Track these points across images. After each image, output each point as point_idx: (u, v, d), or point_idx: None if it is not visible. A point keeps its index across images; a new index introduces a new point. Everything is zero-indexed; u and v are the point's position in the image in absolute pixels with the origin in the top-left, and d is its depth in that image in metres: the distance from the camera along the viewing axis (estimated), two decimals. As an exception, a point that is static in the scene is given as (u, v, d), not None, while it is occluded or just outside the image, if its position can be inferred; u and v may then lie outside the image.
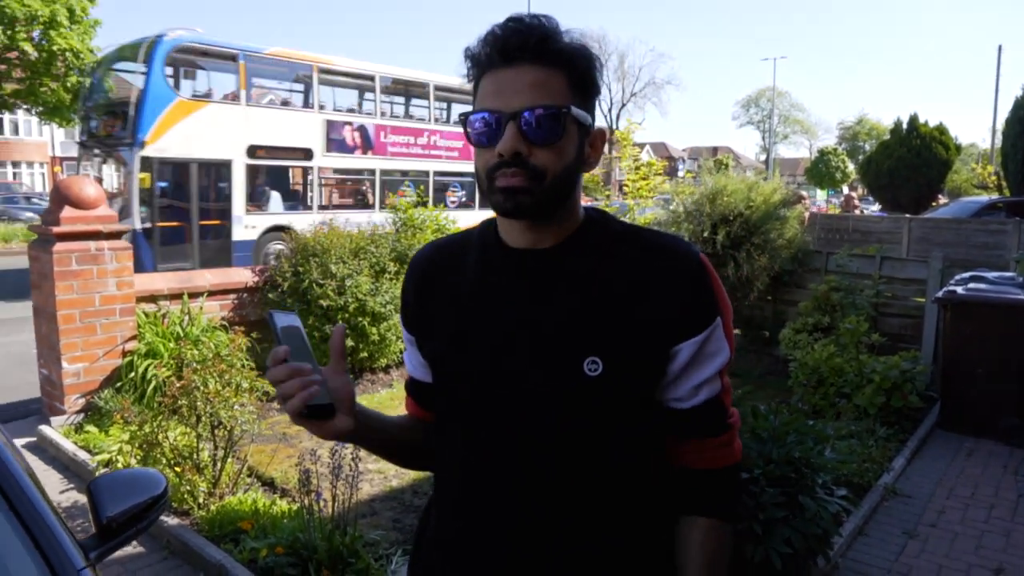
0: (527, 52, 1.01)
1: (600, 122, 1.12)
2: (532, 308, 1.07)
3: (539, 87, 1.01)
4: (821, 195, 44.49)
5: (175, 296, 5.57)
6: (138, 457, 4.06)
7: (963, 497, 4.26)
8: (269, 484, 4.22)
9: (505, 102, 1.01)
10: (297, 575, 3.06)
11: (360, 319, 5.93)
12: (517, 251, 1.10)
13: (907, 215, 15.89)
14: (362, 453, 3.44)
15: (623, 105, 54.72)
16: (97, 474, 3.91)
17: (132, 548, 3.55)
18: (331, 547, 3.11)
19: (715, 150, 65.53)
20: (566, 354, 1.04)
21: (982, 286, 5.55)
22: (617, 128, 12.21)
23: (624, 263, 1.07)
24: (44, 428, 4.93)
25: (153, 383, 4.85)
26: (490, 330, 1.09)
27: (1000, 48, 37.20)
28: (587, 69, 1.05)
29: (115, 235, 5.07)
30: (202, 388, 3.61)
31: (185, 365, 4.26)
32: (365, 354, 6.15)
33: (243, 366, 3.88)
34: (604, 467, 1.07)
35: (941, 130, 22.22)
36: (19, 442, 4.78)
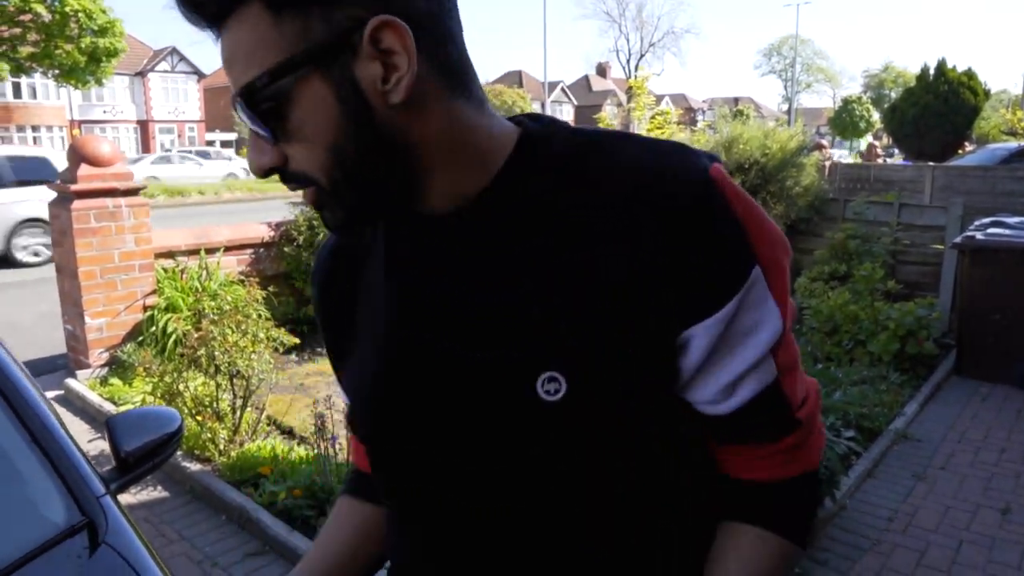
0: (202, 9, 0.65)
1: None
2: (450, 306, 0.71)
3: (233, 58, 0.65)
4: (844, 150, 43.64)
5: (192, 251, 5.65)
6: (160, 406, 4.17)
7: (975, 441, 4.28)
8: (287, 432, 4.33)
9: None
10: (314, 516, 3.17)
11: (375, 272, 5.99)
12: (420, 219, 0.72)
13: (930, 163, 15.58)
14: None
15: (642, 55, 53.81)
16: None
17: (157, 493, 3.69)
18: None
19: (736, 100, 64.34)
20: (506, 373, 0.67)
21: (1002, 231, 5.47)
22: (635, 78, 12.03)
23: (580, 212, 0.68)
24: (70, 381, 5.07)
25: (173, 336, 4.96)
26: (396, 346, 0.74)
27: (1033, -11, 35.78)
28: None
29: (132, 192, 5.13)
30: (220, 339, 3.69)
31: (203, 317, 4.35)
32: (381, 307, 6.23)
33: (259, 317, 3.95)
34: (596, 513, 0.72)
35: (970, 75, 21.61)
36: (48, 395, 4.93)
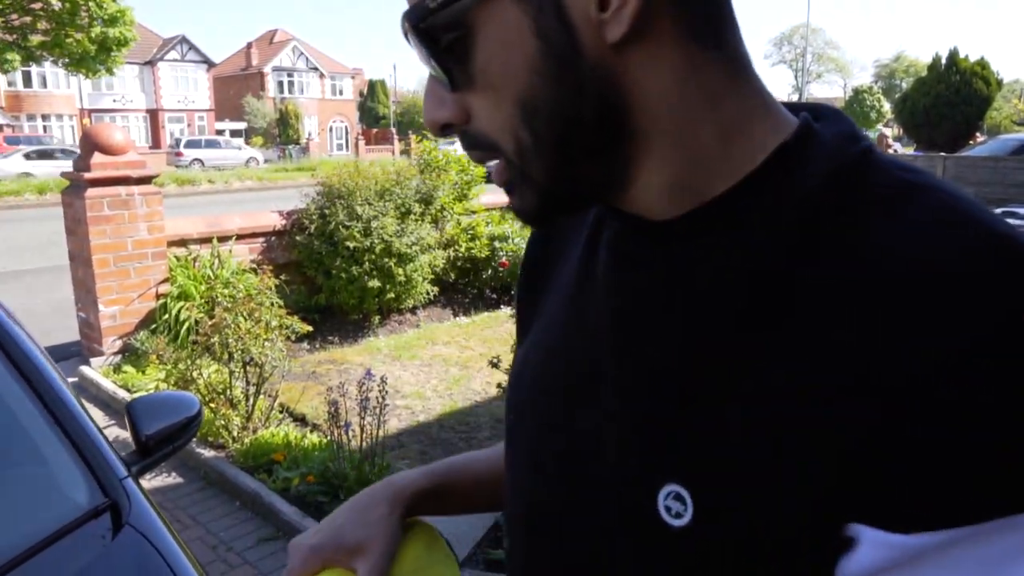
0: None
1: None
2: (616, 359, 0.53)
3: None
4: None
5: (205, 240, 5.68)
6: (175, 394, 4.22)
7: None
8: (300, 419, 4.36)
9: None
10: (327, 502, 3.20)
11: (386, 260, 6.00)
12: (629, 224, 0.53)
13: (941, 154, 15.49)
14: (389, 388, 3.55)
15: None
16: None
17: (172, 479, 3.73)
18: (360, 476, 3.23)
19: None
20: (634, 474, 0.51)
21: (1014, 222, 5.45)
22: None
23: (832, 292, 0.44)
24: (84, 368, 5.12)
25: (186, 324, 5.00)
26: (561, 389, 0.58)
27: (1048, -23, 35.44)
28: None
29: (145, 180, 5.16)
30: (233, 326, 3.72)
31: (216, 304, 4.38)
32: (392, 295, 6.24)
33: (272, 304, 3.98)
34: None
35: (983, 64, 21.42)
36: (62, 381, 4.99)
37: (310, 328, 4.35)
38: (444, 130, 0.52)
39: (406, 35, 0.50)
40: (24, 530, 1.33)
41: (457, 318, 6.91)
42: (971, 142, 20.64)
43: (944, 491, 0.37)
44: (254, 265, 5.71)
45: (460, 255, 7.01)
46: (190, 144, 31.26)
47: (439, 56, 0.49)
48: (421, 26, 0.48)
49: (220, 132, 43.08)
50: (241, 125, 45.55)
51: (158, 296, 5.27)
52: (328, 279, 6.09)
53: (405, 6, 0.50)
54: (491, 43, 0.47)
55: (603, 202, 0.54)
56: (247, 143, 38.31)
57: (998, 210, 5.97)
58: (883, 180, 0.46)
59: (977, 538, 0.37)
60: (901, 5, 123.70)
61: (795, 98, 59.40)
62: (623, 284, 0.53)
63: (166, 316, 5.13)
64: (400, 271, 6.16)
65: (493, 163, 0.52)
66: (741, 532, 0.45)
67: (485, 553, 2.90)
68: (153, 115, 43.34)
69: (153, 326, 5.18)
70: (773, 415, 0.44)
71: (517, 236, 7.15)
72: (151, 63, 42.64)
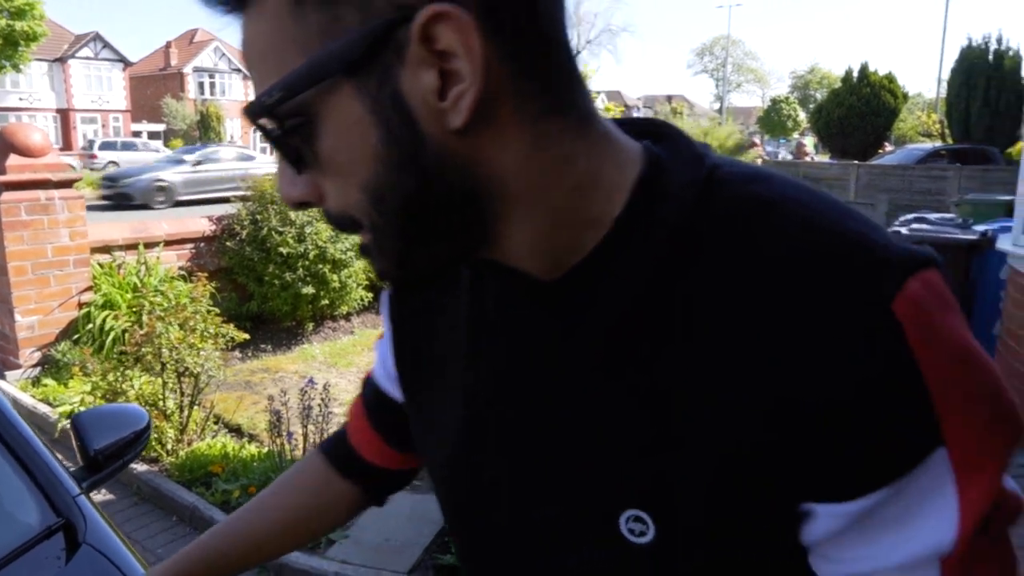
0: None
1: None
2: (538, 405, 0.56)
3: (251, 55, 0.50)
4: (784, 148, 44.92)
5: (130, 246, 5.47)
6: (102, 407, 4.05)
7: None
8: (236, 430, 4.25)
9: None
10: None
11: (321, 266, 5.92)
12: (510, 283, 0.56)
13: (855, 162, 16.26)
14: (334, 393, 3.51)
15: (578, 52, 54.08)
16: (61, 424, 3.90)
17: (102, 495, 3.58)
18: (304, 486, 3.18)
19: (669, 98, 65.65)
20: (588, 500, 0.55)
21: (924, 227, 5.78)
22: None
23: (705, 319, 0.49)
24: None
25: (112, 334, 4.80)
26: (474, 423, 0.61)
27: (947, -3, 37.72)
28: None
29: (66, 184, 4.94)
30: (167, 335, 3.61)
31: (147, 313, 4.24)
32: (326, 301, 6.16)
33: (208, 312, 3.87)
34: None
35: (890, 79, 22.59)
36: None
37: (247, 336, 4.26)
38: (301, 206, 0.52)
39: (264, 128, 0.49)
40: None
41: (393, 324, 6.86)
42: (880, 151, 21.75)
43: (862, 472, 0.46)
44: (183, 272, 5.55)
45: (396, 261, 6.97)
46: (105, 146, 29.88)
47: (283, 143, 0.48)
48: (261, 120, 0.48)
49: (137, 134, 41.47)
50: (160, 127, 43.92)
51: (80, 305, 5.05)
52: (260, 286, 5.96)
53: None
54: (334, 132, 0.47)
55: (471, 262, 0.55)
56: (166, 145, 36.96)
57: (909, 216, 6.32)
58: (734, 197, 0.50)
59: (888, 499, 0.47)
60: (815, 21, 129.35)
61: (717, 107, 61.22)
62: (526, 348, 0.55)
63: (90, 326, 4.92)
64: (335, 277, 6.08)
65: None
66: (703, 539, 0.50)
67: (434, 559, 2.90)
68: (64, 115, 41.35)
69: (75, 336, 4.96)
70: (706, 436, 0.48)
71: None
72: (62, 60, 40.68)
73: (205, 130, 39.86)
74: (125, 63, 44.06)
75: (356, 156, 0.47)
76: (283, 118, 0.47)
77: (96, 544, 1.32)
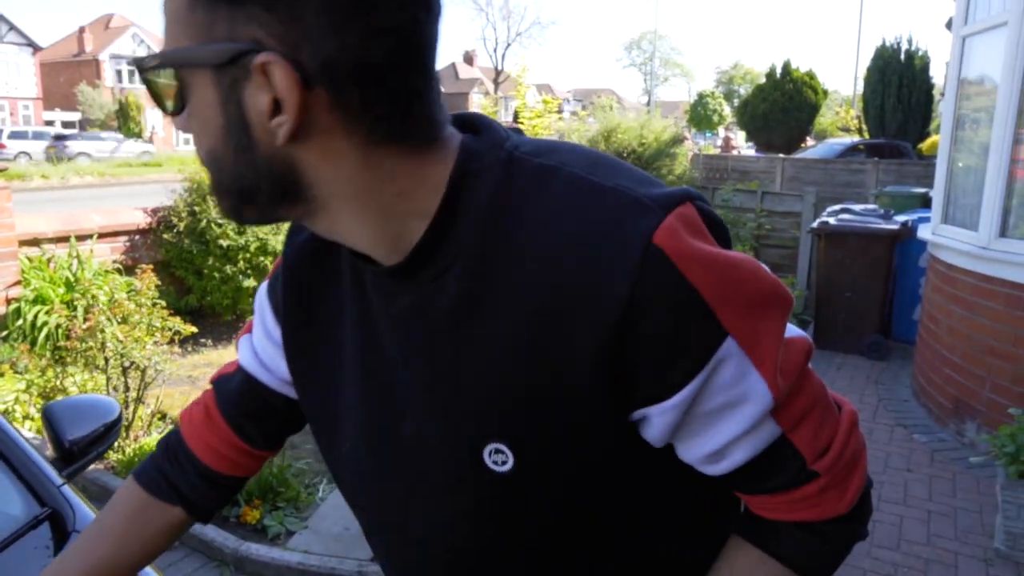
0: None
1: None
2: (405, 358, 0.67)
3: (167, 17, 0.60)
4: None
5: (61, 239, 5.27)
6: (37, 405, 3.91)
7: (835, 405, 4.76)
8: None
9: None
10: (227, 506, 3.10)
11: (262, 258, 5.82)
12: (373, 266, 0.67)
13: (780, 155, 16.86)
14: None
15: (508, 45, 54.32)
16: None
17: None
18: (260, 477, 3.16)
19: (599, 92, 66.40)
20: (452, 436, 0.66)
21: (850, 217, 6.07)
22: (502, 69, 12.21)
23: (513, 276, 0.60)
24: (-78, 382, 4.61)
25: (45, 330, 4.62)
26: (372, 385, 0.71)
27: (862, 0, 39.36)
28: None
29: (-10, 174, 4.72)
30: (111, 329, 3.51)
31: (86, 307, 4.10)
32: (268, 295, 6.06)
33: (154, 305, 3.78)
34: (569, 564, 0.71)
35: (811, 75, 23.49)
36: None
37: (195, 330, 4.16)
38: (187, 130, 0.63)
39: (145, 79, 0.61)
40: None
41: (336, 317, 6.80)
42: (802, 145, 22.57)
43: (670, 370, 0.58)
44: (118, 266, 5.37)
45: (337, 253, 6.91)
46: (15, 135, 28.44)
47: (153, 91, 0.61)
48: (144, 74, 0.60)
49: (49, 123, 39.48)
50: (74, 116, 41.93)
51: (8, 301, 4.83)
52: (200, 279, 5.82)
53: None
54: (194, 101, 0.59)
55: (320, 235, 0.66)
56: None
57: (837, 207, 6.63)
58: (526, 171, 0.61)
59: (703, 388, 0.59)
60: (737, 18, 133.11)
61: (644, 100, 62.26)
62: (398, 317, 0.66)
63: (20, 322, 4.72)
64: (277, 270, 5.98)
65: None
66: (554, 464, 0.63)
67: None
68: (-33, 102, 39.07)
69: (4, 333, 4.75)
70: (534, 373, 0.60)
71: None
72: (-37, 44, 38.43)
73: (124, 120, 38.29)
74: (35, 47, 41.88)
75: (205, 127, 0.59)
76: (160, 77, 0.59)
77: (87, 532, 1.31)
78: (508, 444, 0.62)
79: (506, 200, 0.60)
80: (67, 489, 1.39)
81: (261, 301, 0.82)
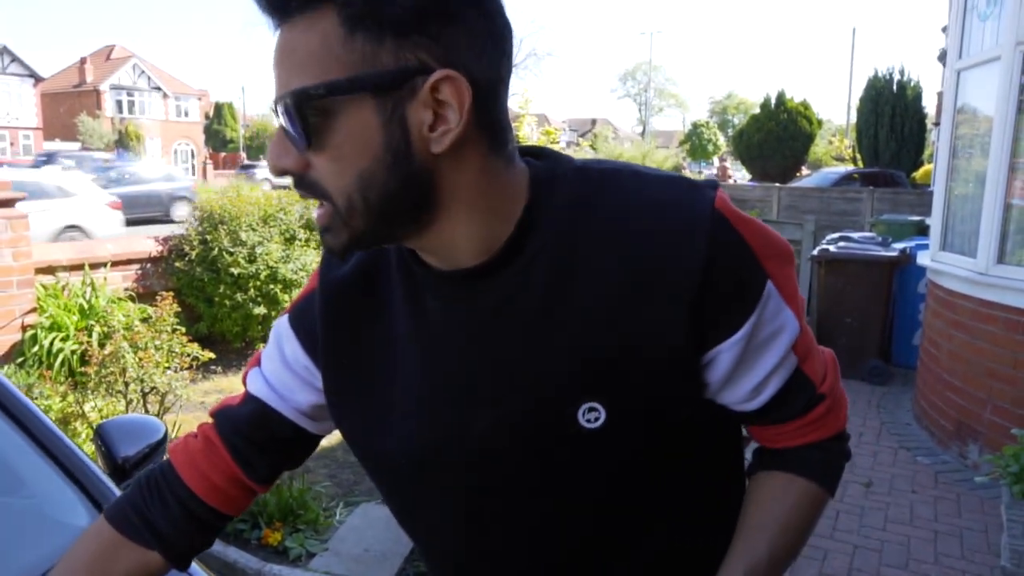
0: (276, 2, 0.65)
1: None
2: (487, 351, 0.75)
3: (292, 56, 0.65)
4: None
5: (75, 267, 5.34)
6: (55, 430, 3.97)
7: (839, 429, 4.83)
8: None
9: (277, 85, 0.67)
10: (248, 528, 3.15)
11: (272, 286, 5.90)
12: (444, 274, 0.74)
13: (776, 184, 17.06)
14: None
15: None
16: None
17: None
18: (280, 501, 3.21)
19: (594, 122, 67.02)
20: (548, 409, 0.73)
21: (850, 244, 6.19)
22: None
23: (599, 252, 0.71)
24: (-63, 408, 4.67)
25: (61, 356, 4.68)
26: (441, 388, 0.77)
27: (854, 31, 40.11)
28: None
29: (8, 203, 4.81)
30: (131, 355, 3.58)
31: (102, 334, 4.17)
32: (277, 322, 6.13)
33: (174, 331, 3.85)
34: (638, 515, 0.81)
35: (805, 105, 23.87)
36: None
37: (213, 355, 4.23)
38: (283, 174, 0.68)
39: (277, 104, 0.65)
40: (27, 559, 1.31)
41: (342, 344, 6.86)
42: (798, 174, 22.84)
43: (737, 308, 0.72)
44: (132, 294, 5.45)
45: (344, 280, 6.97)
46: (16, 166, 28.59)
47: (304, 125, 0.64)
48: (302, 103, 0.63)
49: (50, 153, 39.70)
50: (75, 146, 42.16)
51: (24, 327, 4.90)
52: (210, 307, 5.89)
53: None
54: (348, 127, 0.64)
55: (407, 246, 0.75)
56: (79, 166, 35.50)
57: (835, 235, 6.75)
58: (594, 174, 0.74)
59: (757, 322, 0.73)
60: (730, 49, 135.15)
61: (640, 130, 62.82)
62: (483, 309, 0.74)
63: (36, 348, 4.78)
64: (286, 297, 6.06)
65: (311, 200, 0.70)
66: (641, 416, 0.73)
67: (415, 567, 2.98)
68: (-32, 132, 39.32)
69: (20, 359, 4.81)
70: (630, 334, 0.70)
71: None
72: (-34, 75, 38.79)
73: (124, 150, 38.55)
74: (36, 78, 42.29)
75: (360, 150, 0.64)
76: (314, 108, 0.63)
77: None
78: (602, 402, 0.72)
79: (583, 196, 0.72)
80: (128, 502, 1.45)
81: (283, 332, 0.85)
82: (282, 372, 0.85)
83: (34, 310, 4.95)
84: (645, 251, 0.70)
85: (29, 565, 1.28)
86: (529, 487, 0.78)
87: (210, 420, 0.89)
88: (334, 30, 0.62)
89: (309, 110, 0.64)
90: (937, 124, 16.55)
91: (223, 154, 47.43)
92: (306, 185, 0.68)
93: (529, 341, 0.73)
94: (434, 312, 0.76)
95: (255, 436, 0.86)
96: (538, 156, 0.77)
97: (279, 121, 0.67)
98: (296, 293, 6.14)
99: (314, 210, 0.71)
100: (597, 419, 0.72)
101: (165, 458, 0.88)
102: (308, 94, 0.63)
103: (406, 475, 0.81)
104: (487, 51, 0.66)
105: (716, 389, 0.76)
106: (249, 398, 0.87)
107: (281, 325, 0.86)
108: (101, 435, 1.66)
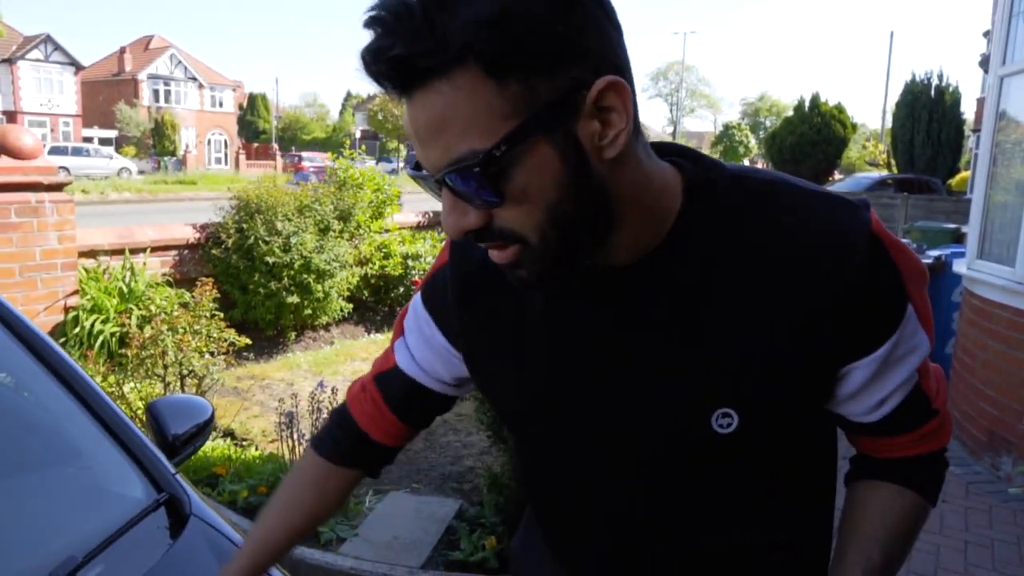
0: (404, 72, 0.62)
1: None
2: (629, 347, 0.76)
3: (439, 127, 0.62)
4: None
5: (116, 251, 5.47)
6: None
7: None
8: (228, 435, 4.30)
9: (423, 156, 0.66)
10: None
11: (305, 276, 5.99)
12: (595, 270, 0.74)
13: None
14: (340, 397, 3.61)
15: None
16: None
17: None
18: (312, 486, 3.28)
19: (625, 121, 66.40)
20: (684, 411, 0.75)
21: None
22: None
23: (751, 264, 0.72)
24: (-18, 385, 4.81)
25: (100, 338, 4.81)
26: (574, 380, 0.80)
27: (892, 34, 39.48)
28: (508, 34, 0.60)
29: (56, 187, 4.94)
30: (172, 337, 3.67)
31: (143, 317, 4.27)
32: (309, 311, 6.23)
33: (212, 316, 3.94)
34: (755, 511, 0.85)
35: (840, 109, 23.54)
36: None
37: (249, 341, 4.32)
38: (466, 234, 0.68)
39: (444, 179, 0.64)
40: (84, 529, 1.36)
41: (371, 335, 6.95)
42: (830, 179, 22.57)
43: (882, 327, 0.74)
44: (169, 279, 5.57)
45: (374, 273, 7.07)
46: (55, 151, 29.26)
47: (492, 186, 0.63)
48: (481, 167, 0.62)
49: (88, 139, 40.48)
50: (111, 133, 42.96)
51: (67, 309, 5.03)
52: (244, 294, 6.00)
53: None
54: (528, 169, 0.63)
55: (590, 263, 0.73)
56: (118, 152, 36.18)
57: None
58: (751, 183, 0.75)
59: (896, 341, 0.75)
60: (765, 49, 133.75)
61: (670, 131, 62.44)
62: (632, 308, 0.75)
63: (77, 330, 4.91)
64: (319, 287, 6.15)
65: (485, 245, 0.69)
66: (772, 421, 0.75)
67: (443, 555, 3.02)
68: (10, 117, 40.11)
69: (62, 340, 4.94)
70: (771, 346, 0.72)
71: (430, 255, 7.29)
72: (10, 61, 39.61)
73: (159, 138, 39.18)
74: (77, 67, 43.09)
75: (546, 185, 0.64)
76: (493, 166, 0.62)
77: (202, 516, 1.43)
78: (737, 409, 0.73)
79: (739, 204, 0.73)
80: (180, 477, 1.51)
81: (419, 312, 0.94)
82: (423, 350, 0.95)
83: (76, 292, 5.08)
84: (797, 267, 0.71)
85: (86, 535, 1.33)
86: (653, 478, 0.82)
87: (372, 382, 1.02)
88: (483, 84, 0.60)
89: (492, 169, 0.62)
90: (976, 130, 16.27)
91: (256, 145, 47.99)
92: (493, 235, 0.67)
93: (671, 343, 0.75)
94: (580, 304, 0.78)
95: (413, 402, 1.00)
96: (680, 155, 0.77)
97: (450, 188, 0.65)
98: (328, 284, 6.23)
99: (490, 249, 0.70)
100: (730, 425, 0.74)
101: (347, 410, 1.04)
102: (492, 156, 0.61)
103: (540, 444, 0.90)
104: (614, 39, 0.65)
105: (841, 400, 0.80)
106: (398, 372, 0.98)
107: (416, 305, 0.95)
108: (153, 413, 1.72)
